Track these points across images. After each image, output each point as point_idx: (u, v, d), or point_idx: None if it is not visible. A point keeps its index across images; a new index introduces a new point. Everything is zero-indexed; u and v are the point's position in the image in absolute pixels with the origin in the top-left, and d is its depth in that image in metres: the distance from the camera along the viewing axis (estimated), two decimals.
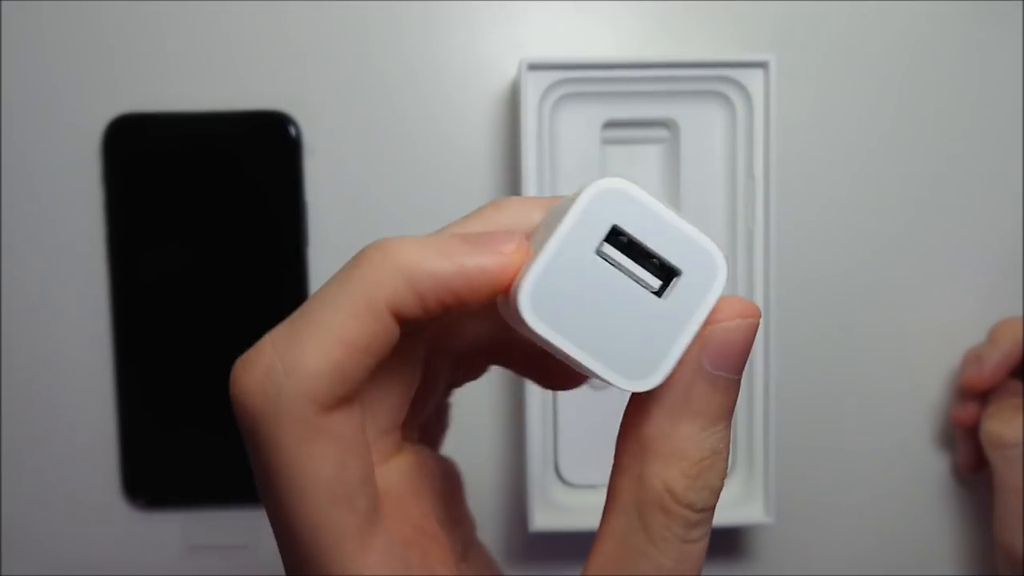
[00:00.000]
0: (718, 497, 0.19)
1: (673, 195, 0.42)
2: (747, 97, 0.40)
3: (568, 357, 0.18)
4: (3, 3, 0.43)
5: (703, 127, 0.41)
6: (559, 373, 0.25)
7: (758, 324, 0.19)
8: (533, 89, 0.40)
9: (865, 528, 0.46)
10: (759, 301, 0.41)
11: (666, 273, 0.18)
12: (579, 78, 0.40)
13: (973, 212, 0.45)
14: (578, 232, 0.17)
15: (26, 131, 0.43)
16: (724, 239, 0.41)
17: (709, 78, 0.40)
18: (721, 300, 0.18)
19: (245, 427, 0.19)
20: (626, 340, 0.17)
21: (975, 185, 0.45)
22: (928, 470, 0.46)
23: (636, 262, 0.18)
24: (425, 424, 0.24)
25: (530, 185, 0.39)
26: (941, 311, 0.45)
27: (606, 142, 0.42)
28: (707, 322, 0.18)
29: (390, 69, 0.44)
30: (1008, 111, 0.45)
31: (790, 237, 0.44)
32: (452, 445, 0.45)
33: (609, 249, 0.18)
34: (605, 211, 0.17)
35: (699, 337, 0.18)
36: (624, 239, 0.18)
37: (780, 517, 0.42)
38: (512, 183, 0.44)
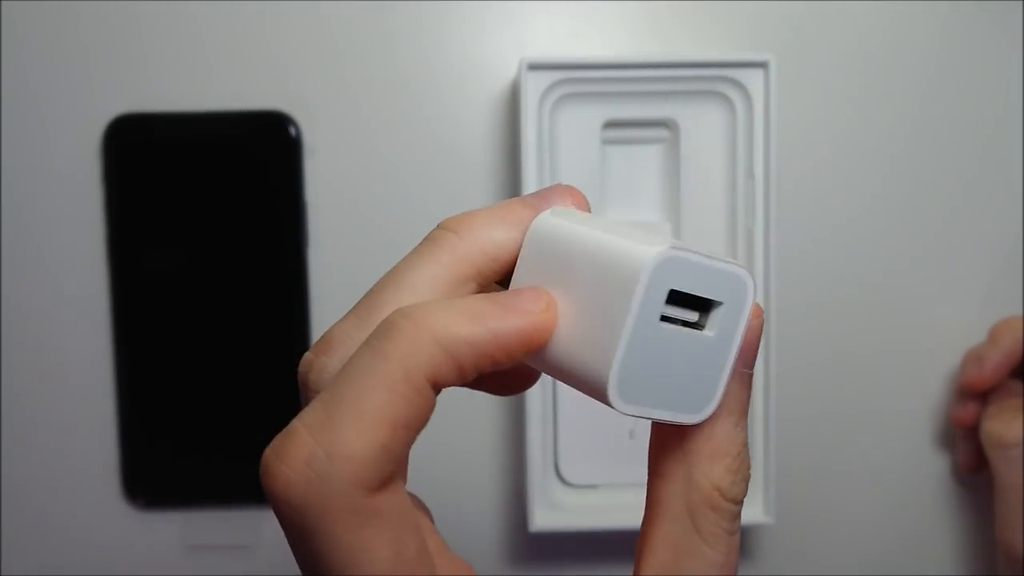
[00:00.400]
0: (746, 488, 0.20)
1: (673, 195, 0.42)
2: (747, 97, 0.40)
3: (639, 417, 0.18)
4: (3, 3, 0.43)
5: (703, 127, 0.41)
6: (509, 383, 0.26)
7: (762, 323, 0.20)
8: (533, 89, 0.40)
9: (865, 528, 0.46)
10: (759, 301, 0.41)
11: (703, 305, 0.19)
12: (579, 78, 0.40)
13: (973, 212, 0.45)
14: (644, 311, 0.18)
15: (26, 131, 0.43)
16: (724, 239, 0.41)
17: (709, 78, 0.40)
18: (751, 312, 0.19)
19: (289, 520, 0.18)
20: (688, 383, 0.18)
21: (975, 185, 0.45)
22: (928, 470, 0.46)
23: (681, 308, 0.18)
24: None
25: (530, 185, 0.39)
26: (941, 311, 0.45)
27: (606, 142, 0.42)
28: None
29: (390, 69, 0.44)
30: (1008, 111, 0.45)
31: (790, 237, 0.44)
32: (453, 446, 0.45)
33: (668, 309, 0.18)
34: (663, 280, 0.18)
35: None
36: (673, 294, 0.18)
37: (780, 517, 0.42)
38: (512, 183, 0.44)
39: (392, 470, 0.18)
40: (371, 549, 0.17)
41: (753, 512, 0.41)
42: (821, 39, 0.44)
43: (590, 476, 0.42)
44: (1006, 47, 0.45)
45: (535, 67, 0.39)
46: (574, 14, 0.44)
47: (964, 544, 0.47)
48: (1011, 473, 0.40)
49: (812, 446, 0.46)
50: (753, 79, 0.40)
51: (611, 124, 0.41)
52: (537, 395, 0.40)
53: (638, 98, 0.41)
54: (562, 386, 0.42)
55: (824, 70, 0.44)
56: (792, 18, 0.44)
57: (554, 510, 0.41)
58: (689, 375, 0.18)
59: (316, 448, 0.17)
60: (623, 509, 0.41)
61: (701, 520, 0.20)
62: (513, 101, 0.43)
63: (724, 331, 0.19)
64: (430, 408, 0.18)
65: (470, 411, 0.45)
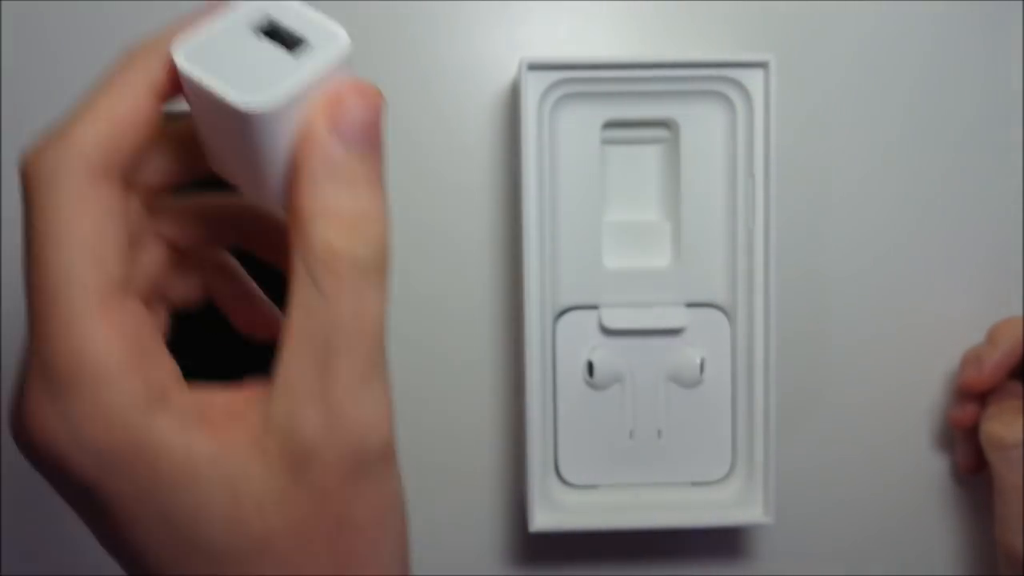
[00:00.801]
0: (384, 259, 0.21)
1: (673, 195, 0.42)
2: (747, 97, 0.40)
3: (198, 89, 0.20)
4: (3, 3, 0.43)
5: (703, 127, 0.41)
6: (258, 316, 0.28)
7: (376, 104, 0.22)
8: (533, 89, 0.40)
9: (865, 528, 0.46)
10: (759, 301, 0.41)
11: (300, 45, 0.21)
12: (579, 78, 0.40)
13: (972, 212, 0.45)
14: (241, 12, 0.21)
15: (27, 131, 0.43)
16: (724, 239, 0.42)
17: (709, 78, 0.40)
18: (349, 86, 0.21)
19: (24, 193, 0.21)
20: (253, 74, 0.20)
21: (974, 185, 0.45)
22: (927, 471, 0.46)
23: (282, 43, 0.21)
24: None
25: (530, 185, 0.39)
26: (940, 311, 0.45)
27: (606, 142, 0.42)
28: (335, 102, 0.21)
29: (390, 69, 0.44)
30: (1007, 111, 0.45)
31: (790, 237, 0.44)
32: (452, 445, 0.45)
33: (262, 34, 0.21)
34: (262, 6, 0.21)
35: (328, 114, 0.21)
36: (275, 27, 0.21)
37: (780, 517, 0.42)
38: (512, 183, 0.44)
39: (114, 162, 0.21)
40: (75, 221, 0.20)
41: (753, 512, 0.41)
42: (821, 39, 0.44)
43: (590, 476, 0.42)
44: (1006, 47, 0.45)
45: (535, 67, 0.39)
46: (574, 14, 0.44)
47: (964, 545, 0.47)
48: (1011, 474, 0.40)
49: (812, 446, 0.46)
50: (753, 79, 0.40)
51: (611, 124, 0.41)
52: (537, 395, 0.41)
53: (638, 98, 0.41)
54: (562, 385, 0.42)
55: (824, 70, 0.44)
56: (792, 18, 0.44)
57: (554, 510, 0.41)
58: (258, 72, 0.20)
59: (53, 134, 0.20)
60: (623, 509, 0.42)
61: (320, 279, 0.20)
62: (513, 101, 0.43)
63: (305, 61, 0.21)
64: (150, 108, 0.21)
65: (470, 411, 0.45)
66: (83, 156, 0.20)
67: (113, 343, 0.20)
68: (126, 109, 0.21)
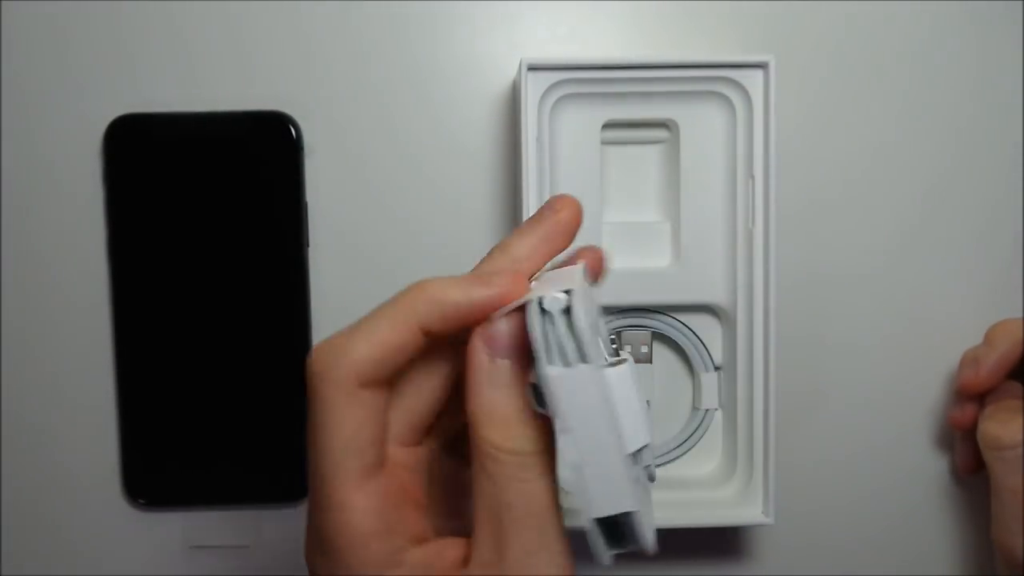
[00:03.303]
0: (535, 444, 0.25)
1: (673, 195, 0.42)
2: (747, 97, 0.40)
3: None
4: (3, 3, 0.43)
5: (703, 127, 0.41)
6: None
7: (518, 322, 0.25)
8: (533, 89, 0.40)
9: (865, 528, 0.46)
10: (758, 301, 0.41)
11: None
12: (579, 79, 0.40)
13: (972, 213, 0.45)
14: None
15: (27, 131, 0.43)
16: (724, 239, 0.42)
17: (709, 78, 0.40)
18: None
19: (308, 385, 0.26)
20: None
21: (974, 186, 0.45)
22: (927, 471, 0.46)
23: None
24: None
25: (530, 185, 0.39)
26: (940, 311, 0.45)
27: (606, 142, 0.42)
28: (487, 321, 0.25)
29: (390, 69, 0.44)
30: (1008, 112, 0.45)
31: (790, 237, 0.44)
32: None
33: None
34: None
35: (482, 330, 0.25)
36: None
37: (780, 517, 0.42)
38: (512, 183, 0.44)
39: (378, 377, 0.25)
40: (344, 420, 0.25)
41: (752, 512, 0.41)
42: (821, 39, 0.44)
43: None
44: (1006, 47, 0.45)
45: (535, 68, 0.39)
46: (574, 14, 0.44)
47: (963, 545, 0.47)
48: (1008, 475, 0.40)
49: (812, 446, 0.46)
50: (753, 80, 0.40)
51: (611, 124, 0.41)
52: None
53: (638, 98, 0.41)
54: None
55: (824, 70, 0.44)
56: (792, 18, 0.44)
57: None
58: None
59: (335, 344, 0.25)
60: None
61: (490, 470, 0.25)
62: (513, 101, 0.43)
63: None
64: (416, 344, 0.25)
65: None
66: (354, 367, 0.25)
67: (364, 518, 0.25)
68: (394, 339, 0.25)
